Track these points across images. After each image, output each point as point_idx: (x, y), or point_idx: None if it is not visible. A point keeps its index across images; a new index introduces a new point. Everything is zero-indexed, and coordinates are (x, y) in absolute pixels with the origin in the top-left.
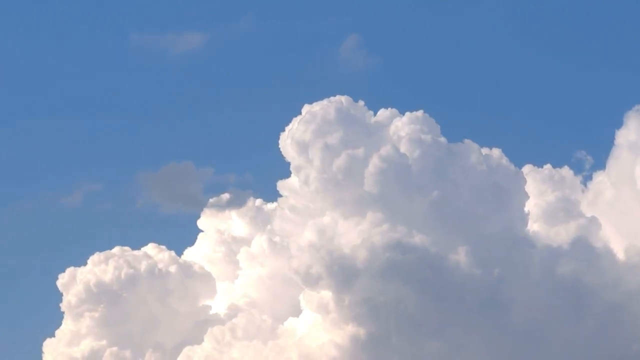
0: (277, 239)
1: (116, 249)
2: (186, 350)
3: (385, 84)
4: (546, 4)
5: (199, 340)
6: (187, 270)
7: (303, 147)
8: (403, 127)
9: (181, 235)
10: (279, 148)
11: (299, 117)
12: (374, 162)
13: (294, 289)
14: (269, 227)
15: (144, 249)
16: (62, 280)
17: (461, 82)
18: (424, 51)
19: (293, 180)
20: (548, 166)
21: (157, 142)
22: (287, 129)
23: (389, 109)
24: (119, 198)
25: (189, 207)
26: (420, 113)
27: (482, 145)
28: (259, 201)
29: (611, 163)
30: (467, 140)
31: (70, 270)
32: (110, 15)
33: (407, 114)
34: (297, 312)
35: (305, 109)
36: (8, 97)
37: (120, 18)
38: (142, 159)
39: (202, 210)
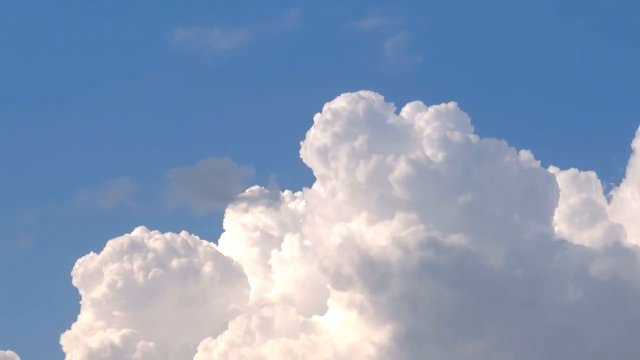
0: (306, 242)
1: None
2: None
3: (421, 84)
4: (577, 10)
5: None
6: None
7: (325, 155)
8: (429, 124)
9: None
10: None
11: (317, 119)
12: (402, 167)
13: (325, 290)
14: (299, 227)
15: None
16: (76, 279)
17: (496, 85)
18: (466, 53)
19: (319, 189)
20: (573, 169)
21: (196, 138)
22: (307, 134)
23: (416, 102)
24: (153, 195)
25: (223, 205)
26: (452, 105)
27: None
28: (287, 193)
29: (630, 171)
30: (500, 141)
31: (82, 261)
32: (155, 9)
33: (436, 106)
34: (328, 312)
35: (325, 107)
36: (43, 96)
37: (166, 12)
38: (179, 154)
39: (237, 208)
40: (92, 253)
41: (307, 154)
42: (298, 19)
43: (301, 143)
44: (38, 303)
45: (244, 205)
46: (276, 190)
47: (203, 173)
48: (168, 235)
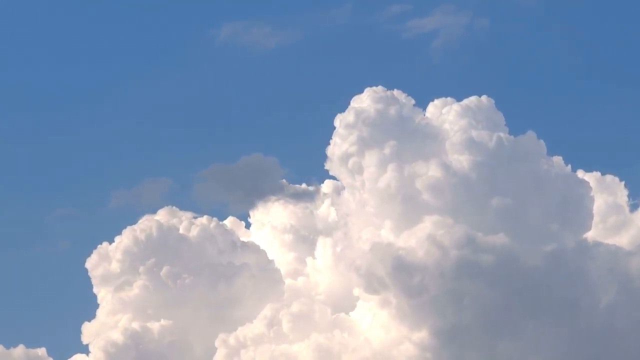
0: (339, 249)
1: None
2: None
3: (462, 86)
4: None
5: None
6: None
7: (351, 163)
8: (458, 123)
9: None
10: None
11: (338, 122)
12: (433, 171)
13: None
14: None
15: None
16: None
17: (530, 87)
18: (510, 57)
19: (348, 199)
20: (597, 173)
21: (239, 136)
22: (331, 142)
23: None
24: (189, 194)
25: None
26: (484, 98)
27: None
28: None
29: None
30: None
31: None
32: (202, 3)
33: (466, 101)
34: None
35: (349, 107)
36: (81, 94)
37: (213, 7)
38: (221, 152)
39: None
40: (104, 243)
41: (332, 165)
42: (347, 14)
43: (326, 151)
44: (71, 305)
45: (277, 202)
46: (317, 189)
47: (242, 171)
48: (205, 219)
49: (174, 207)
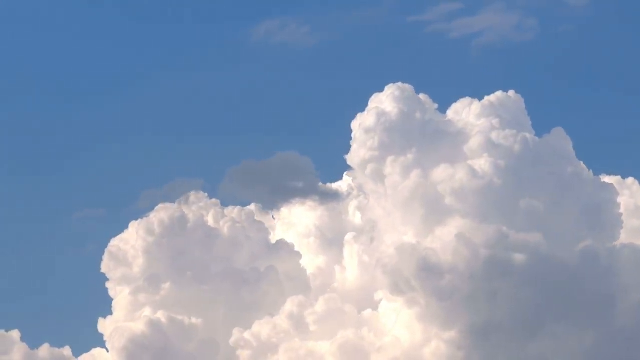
0: (364, 250)
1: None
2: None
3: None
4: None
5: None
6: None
7: (372, 169)
8: (478, 122)
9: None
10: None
11: (356, 126)
12: (458, 178)
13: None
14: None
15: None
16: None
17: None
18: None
19: (373, 205)
20: (616, 177)
21: (271, 134)
22: (351, 150)
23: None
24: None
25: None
26: (512, 93)
27: None
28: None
29: None
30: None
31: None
32: (240, 2)
33: (492, 96)
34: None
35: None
36: (113, 90)
37: (250, 5)
38: (254, 149)
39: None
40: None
41: (355, 173)
42: (391, 14)
43: (345, 157)
44: (95, 305)
45: (304, 203)
46: (349, 191)
47: (273, 168)
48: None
49: (201, 193)
